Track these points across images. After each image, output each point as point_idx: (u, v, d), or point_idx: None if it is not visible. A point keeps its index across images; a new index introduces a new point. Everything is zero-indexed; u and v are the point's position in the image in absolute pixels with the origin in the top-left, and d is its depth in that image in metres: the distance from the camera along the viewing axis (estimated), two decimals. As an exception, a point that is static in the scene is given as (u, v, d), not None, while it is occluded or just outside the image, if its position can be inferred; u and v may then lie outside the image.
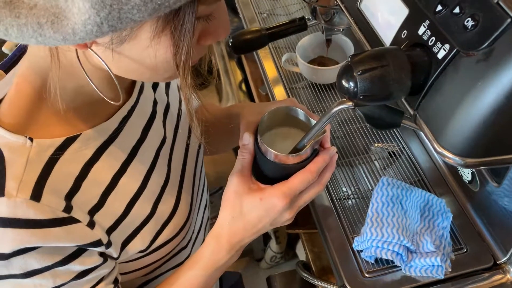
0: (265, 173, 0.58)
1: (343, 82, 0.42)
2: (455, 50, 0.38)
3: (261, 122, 0.58)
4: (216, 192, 1.54)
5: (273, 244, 1.55)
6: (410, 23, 0.44)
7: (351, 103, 0.49)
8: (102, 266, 0.53)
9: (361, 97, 0.41)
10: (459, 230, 0.73)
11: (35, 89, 0.48)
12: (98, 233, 0.51)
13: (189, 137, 0.69)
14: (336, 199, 0.79)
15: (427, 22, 0.41)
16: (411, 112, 0.44)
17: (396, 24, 0.45)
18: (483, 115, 0.37)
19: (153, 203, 0.58)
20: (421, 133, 0.86)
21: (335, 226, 0.76)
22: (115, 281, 0.56)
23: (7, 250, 0.44)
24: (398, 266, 0.68)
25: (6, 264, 0.45)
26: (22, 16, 0.34)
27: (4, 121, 0.47)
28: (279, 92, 1.01)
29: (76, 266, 0.50)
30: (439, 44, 0.40)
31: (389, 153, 0.85)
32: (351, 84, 0.41)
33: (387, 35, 0.47)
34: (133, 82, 0.59)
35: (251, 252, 1.66)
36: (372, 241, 0.67)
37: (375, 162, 0.84)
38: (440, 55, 0.39)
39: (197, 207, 0.70)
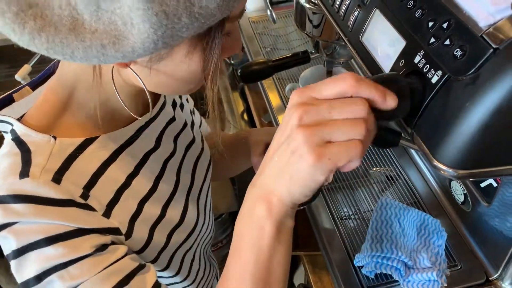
0: None
1: (349, 103, 0.47)
2: (447, 75, 0.44)
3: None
4: (215, 221, 1.57)
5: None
6: (407, 53, 0.50)
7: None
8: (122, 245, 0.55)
9: (365, 116, 0.47)
10: (453, 249, 0.77)
11: (61, 99, 0.54)
12: (115, 222, 0.55)
13: (199, 156, 0.74)
14: (337, 218, 0.83)
15: (422, 52, 0.47)
16: (409, 130, 0.49)
17: (395, 54, 0.51)
18: (471, 132, 0.43)
19: (163, 206, 0.63)
20: (417, 158, 0.92)
21: (336, 244, 0.80)
22: (144, 265, 0.57)
23: (29, 219, 0.49)
24: (397, 281, 0.72)
25: (30, 226, 0.49)
26: (87, 39, 0.39)
27: (31, 123, 0.53)
28: (282, 120, 1.07)
29: (95, 236, 0.52)
30: (432, 71, 0.46)
31: (386, 177, 0.90)
32: (356, 104, 0.47)
33: (386, 64, 0.53)
34: (155, 99, 0.65)
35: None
36: (372, 256, 0.71)
37: (374, 185, 0.89)
38: (434, 80, 0.45)
39: (203, 218, 0.74)
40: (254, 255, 0.44)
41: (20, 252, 0.50)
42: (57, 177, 0.51)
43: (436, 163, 0.46)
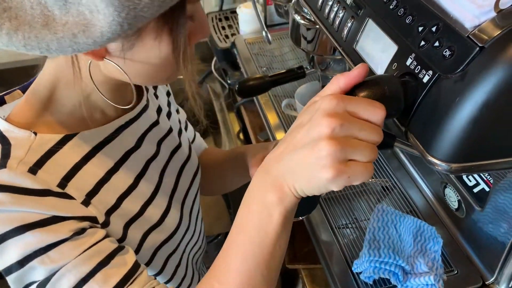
0: None
1: (346, 103, 0.50)
2: (437, 74, 0.47)
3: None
4: (211, 242, 1.56)
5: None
6: (399, 57, 0.53)
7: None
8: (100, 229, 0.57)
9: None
10: (449, 255, 0.79)
11: (42, 98, 0.57)
12: (93, 211, 0.57)
13: (184, 163, 0.77)
14: (335, 228, 0.85)
15: (413, 55, 0.50)
16: (403, 129, 0.52)
17: (388, 58, 0.54)
18: (462, 126, 0.45)
19: (143, 204, 0.65)
20: (412, 170, 0.94)
21: (335, 253, 0.81)
22: (123, 247, 0.59)
23: (6, 207, 0.51)
24: (395, 286, 0.73)
25: (8, 215, 0.51)
26: (59, 31, 0.43)
27: (14, 120, 0.56)
28: (280, 137, 1.10)
29: (73, 222, 0.54)
30: (423, 71, 0.49)
31: (382, 187, 0.92)
32: (354, 105, 0.49)
33: (380, 69, 0.56)
34: (137, 100, 0.68)
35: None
36: (370, 261, 0.72)
37: (370, 196, 0.91)
38: (425, 79, 0.48)
39: (187, 223, 0.75)
40: (259, 238, 0.46)
41: None
42: (34, 169, 0.53)
43: (430, 158, 0.48)
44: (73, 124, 0.59)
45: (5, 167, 0.52)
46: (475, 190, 0.74)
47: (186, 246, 0.76)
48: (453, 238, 0.82)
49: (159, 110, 0.74)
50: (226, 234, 1.70)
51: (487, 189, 0.71)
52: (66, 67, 0.55)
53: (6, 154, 0.53)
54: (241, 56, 1.34)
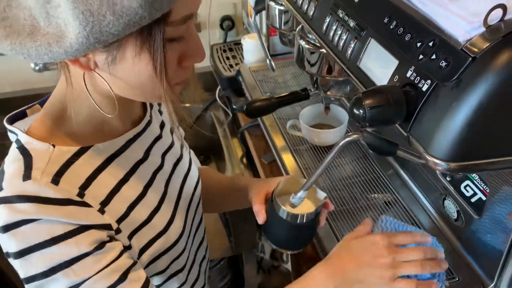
0: (279, 233, 0.73)
1: (355, 110, 0.55)
2: (435, 83, 0.53)
3: (277, 187, 0.72)
4: (214, 267, 1.58)
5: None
6: (400, 70, 0.59)
7: (356, 135, 0.63)
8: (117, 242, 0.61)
9: (368, 121, 0.55)
10: (450, 263, 0.82)
11: (56, 112, 0.62)
12: (108, 219, 0.60)
13: (187, 174, 0.81)
14: (341, 239, 0.88)
15: (413, 68, 0.56)
16: (405, 134, 0.57)
17: (389, 72, 0.60)
18: (458, 128, 0.50)
19: (150, 212, 0.69)
20: (413, 186, 0.98)
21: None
22: (136, 262, 0.63)
23: (33, 216, 0.54)
24: (400, 292, 0.76)
25: (35, 227, 0.54)
26: (38, 40, 0.48)
27: (34, 132, 0.61)
28: (286, 158, 1.13)
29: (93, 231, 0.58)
30: (423, 81, 0.54)
31: (384, 202, 0.96)
32: (361, 111, 0.55)
33: (382, 82, 0.62)
34: (143, 115, 0.73)
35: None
36: (376, 268, 0.76)
37: (373, 210, 0.95)
38: (424, 88, 0.54)
39: (189, 231, 0.79)
40: None
41: (26, 251, 0.55)
42: (56, 179, 0.57)
43: (430, 158, 0.53)
44: (87, 137, 0.63)
45: (30, 178, 0.56)
46: (473, 200, 0.78)
47: (190, 252, 0.80)
48: (454, 247, 0.85)
49: (162, 125, 0.79)
50: (228, 259, 1.70)
51: (484, 198, 0.76)
52: (72, 82, 0.59)
53: (28, 166, 0.57)
54: (246, 83, 1.41)
